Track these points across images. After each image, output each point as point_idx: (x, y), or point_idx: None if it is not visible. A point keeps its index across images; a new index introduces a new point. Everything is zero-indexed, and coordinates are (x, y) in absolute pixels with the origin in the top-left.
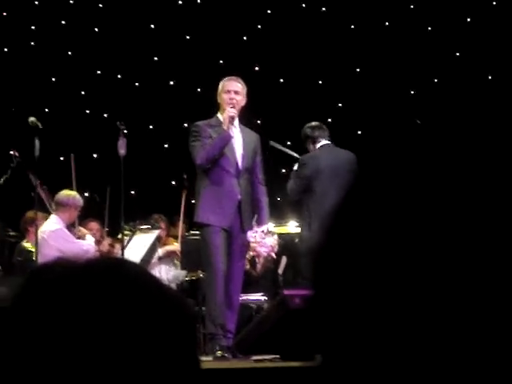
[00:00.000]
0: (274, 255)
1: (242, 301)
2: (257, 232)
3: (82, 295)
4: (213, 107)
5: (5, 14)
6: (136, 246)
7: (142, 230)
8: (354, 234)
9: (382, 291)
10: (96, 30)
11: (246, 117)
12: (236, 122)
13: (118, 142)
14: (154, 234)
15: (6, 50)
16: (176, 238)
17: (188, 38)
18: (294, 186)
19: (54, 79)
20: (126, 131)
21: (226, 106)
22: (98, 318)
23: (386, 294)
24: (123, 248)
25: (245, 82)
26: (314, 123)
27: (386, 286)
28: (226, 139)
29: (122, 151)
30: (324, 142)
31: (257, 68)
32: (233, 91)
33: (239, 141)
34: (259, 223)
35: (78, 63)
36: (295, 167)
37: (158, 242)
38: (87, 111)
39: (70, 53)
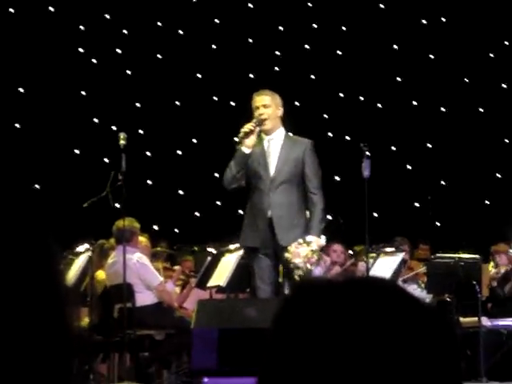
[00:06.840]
0: (309, 266)
1: (491, 326)
2: (292, 244)
3: (349, 309)
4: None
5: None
6: (381, 269)
7: (386, 253)
8: None
9: None
10: (339, 53)
11: None
12: (279, 133)
13: (362, 163)
14: (399, 256)
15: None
16: (420, 260)
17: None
18: None
19: (297, 103)
20: (368, 153)
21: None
22: (368, 332)
23: None
24: (368, 270)
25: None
26: None
27: None
28: (240, 156)
29: (366, 173)
30: None
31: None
32: (261, 106)
33: (275, 154)
34: (307, 233)
35: (321, 87)
36: None
37: (403, 265)
38: (330, 134)
39: (312, 76)
